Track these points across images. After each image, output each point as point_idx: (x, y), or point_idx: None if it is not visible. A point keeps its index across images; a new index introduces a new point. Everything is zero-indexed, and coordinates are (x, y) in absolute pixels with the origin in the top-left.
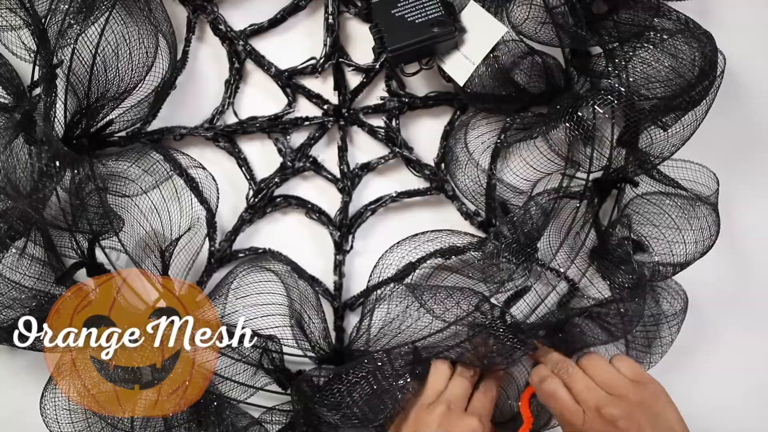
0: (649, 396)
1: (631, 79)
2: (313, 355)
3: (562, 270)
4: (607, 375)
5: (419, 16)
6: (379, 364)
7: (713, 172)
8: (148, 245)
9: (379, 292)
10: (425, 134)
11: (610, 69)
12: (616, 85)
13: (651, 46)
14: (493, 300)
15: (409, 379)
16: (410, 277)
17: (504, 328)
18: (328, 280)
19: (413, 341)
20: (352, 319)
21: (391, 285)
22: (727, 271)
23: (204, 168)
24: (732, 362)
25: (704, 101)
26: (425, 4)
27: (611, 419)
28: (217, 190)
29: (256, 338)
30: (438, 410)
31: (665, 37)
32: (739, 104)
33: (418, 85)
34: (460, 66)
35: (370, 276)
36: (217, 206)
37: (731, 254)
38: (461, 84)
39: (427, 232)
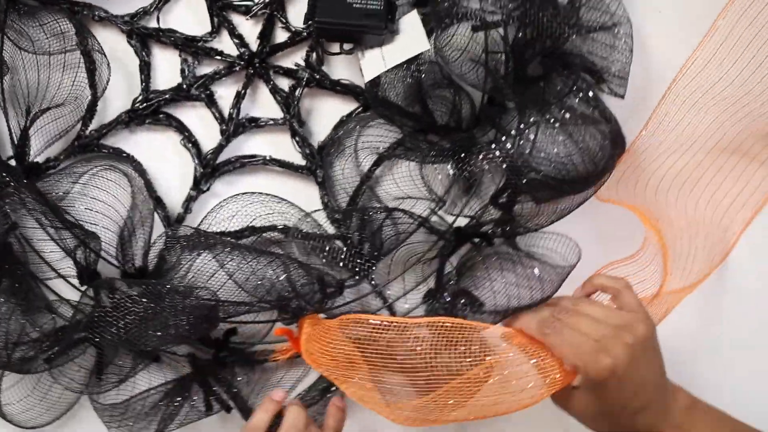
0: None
1: (527, 150)
2: (118, 265)
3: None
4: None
5: (359, 2)
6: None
7: (579, 247)
8: (17, 96)
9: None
10: (324, 116)
11: (516, 130)
12: (510, 148)
13: (558, 124)
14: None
15: (183, 321)
16: (248, 240)
17: None
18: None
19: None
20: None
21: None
22: None
23: (105, 54)
24: None
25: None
26: None
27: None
28: (107, 81)
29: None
30: None
31: (578, 122)
32: None
33: (340, 67)
34: (374, 64)
35: (203, 220)
36: (102, 93)
37: None
38: (364, 80)
39: (265, 194)
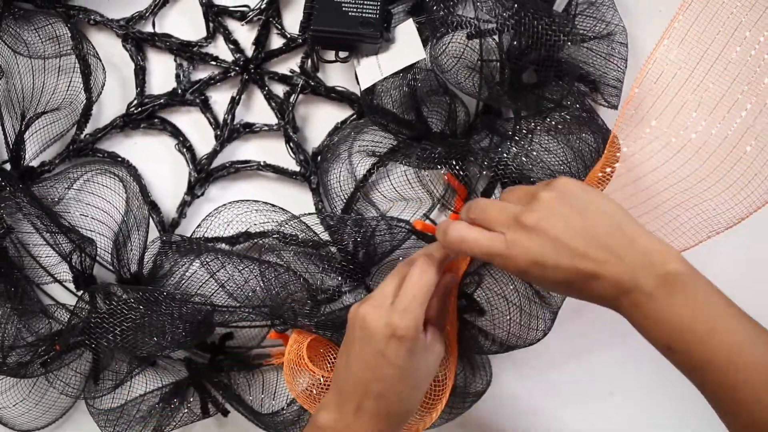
0: (562, 187)
1: (524, 159)
2: (113, 270)
3: None
4: (513, 193)
5: (355, 10)
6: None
7: None
8: (12, 100)
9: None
10: (319, 123)
11: (511, 137)
12: (506, 157)
13: (553, 132)
14: None
15: (180, 327)
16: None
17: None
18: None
19: (212, 303)
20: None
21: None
22: None
23: (100, 59)
24: None
25: None
26: (366, 3)
27: (532, 223)
28: (102, 85)
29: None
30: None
31: (572, 131)
32: None
33: (335, 74)
34: (370, 72)
35: (199, 225)
36: (98, 98)
37: None
38: (361, 88)
39: (263, 202)
